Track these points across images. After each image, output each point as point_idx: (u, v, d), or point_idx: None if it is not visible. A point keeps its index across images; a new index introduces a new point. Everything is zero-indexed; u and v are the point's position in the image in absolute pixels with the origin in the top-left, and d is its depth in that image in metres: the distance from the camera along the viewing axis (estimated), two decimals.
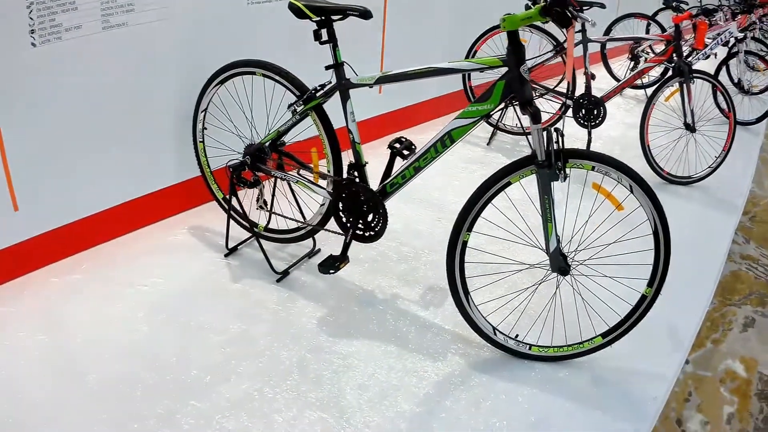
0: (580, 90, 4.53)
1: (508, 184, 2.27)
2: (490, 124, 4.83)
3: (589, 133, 4.53)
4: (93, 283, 2.65)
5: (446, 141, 2.36)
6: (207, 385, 2.17)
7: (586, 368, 2.51)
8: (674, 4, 4.50)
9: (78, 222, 2.87)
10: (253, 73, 2.81)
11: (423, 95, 4.91)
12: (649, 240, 2.29)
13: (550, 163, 2.15)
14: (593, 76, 4.45)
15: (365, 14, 2.37)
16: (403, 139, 2.52)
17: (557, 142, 2.15)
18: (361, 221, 2.61)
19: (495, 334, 2.43)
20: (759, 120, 6.01)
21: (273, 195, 2.98)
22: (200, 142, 3.06)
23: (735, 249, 4.06)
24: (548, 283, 2.47)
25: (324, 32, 2.50)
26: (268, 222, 3.07)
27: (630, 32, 6.08)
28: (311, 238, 3.04)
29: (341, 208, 2.68)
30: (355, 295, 2.75)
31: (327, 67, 2.52)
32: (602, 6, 4.43)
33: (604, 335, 2.44)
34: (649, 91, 4.28)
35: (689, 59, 5.53)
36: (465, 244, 2.29)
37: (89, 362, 2.23)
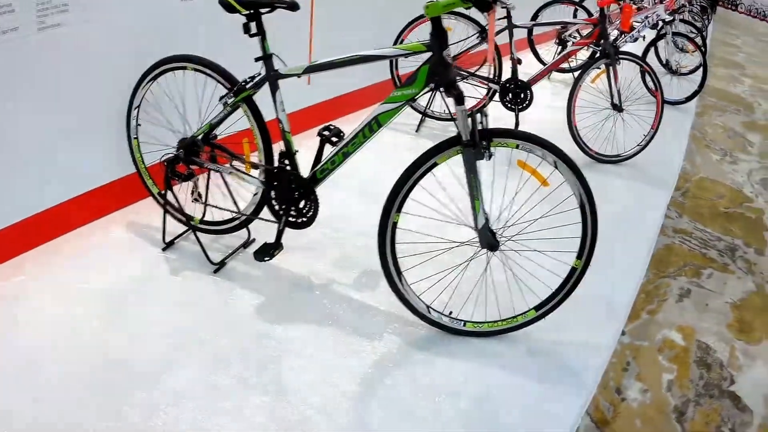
0: (507, 75, 4.70)
1: (435, 165, 2.35)
2: (417, 111, 4.88)
3: (517, 117, 4.66)
4: (36, 283, 2.64)
5: (374, 126, 2.43)
6: (151, 377, 2.19)
7: (522, 341, 2.60)
8: None
9: (18, 224, 2.85)
10: (185, 68, 2.83)
11: (352, 86, 4.92)
12: (577, 214, 2.39)
13: (474, 143, 2.24)
14: (519, 61, 4.58)
15: (293, 6, 2.43)
16: (332, 127, 2.58)
17: (481, 122, 2.25)
18: (293, 208, 2.69)
19: (429, 312, 2.50)
20: (688, 99, 6.23)
21: (207, 187, 3.00)
22: (134, 138, 3.06)
23: (668, 223, 4.23)
24: (480, 260, 2.56)
25: (253, 25, 2.55)
26: (204, 215, 3.08)
27: (557, 18, 6.23)
28: (246, 229, 3.06)
29: (273, 197, 2.73)
30: (292, 281, 2.80)
31: (257, 59, 2.59)
32: None
33: (537, 308, 2.53)
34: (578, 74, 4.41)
35: (617, 42, 5.74)
36: (395, 225, 2.36)
37: (36, 362, 2.23)
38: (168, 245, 2.95)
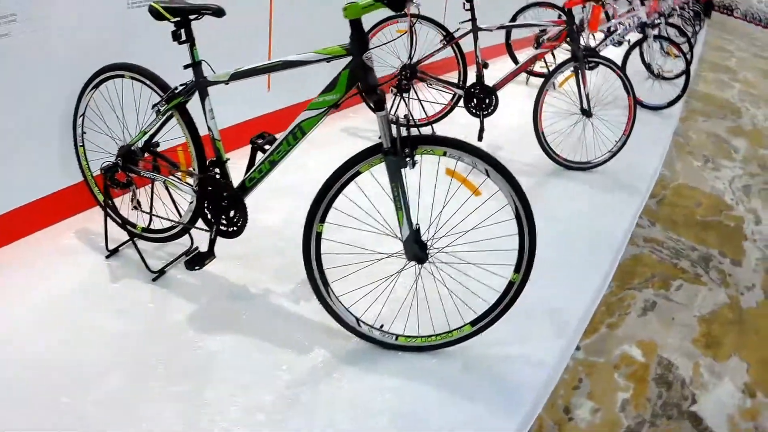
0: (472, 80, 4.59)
1: (358, 173, 2.24)
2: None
3: (482, 123, 4.52)
4: None
5: (297, 133, 2.34)
6: (80, 383, 2.16)
7: (458, 357, 2.48)
8: None
9: None
10: (122, 76, 2.81)
11: (313, 92, 4.79)
12: (514, 224, 2.26)
13: (396, 150, 2.13)
14: (486, 65, 4.45)
15: (218, 12, 2.41)
16: (266, 135, 2.51)
17: (411, 127, 2.15)
18: (223, 217, 2.64)
19: (359, 325, 2.42)
20: (670, 104, 6.11)
21: (152, 196, 2.97)
22: (80, 146, 3.04)
23: (639, 233, 4.09)
24: (413, 273, 2.45)
25: (183, 32, 2.50)
26: (150, 223, 3.04)
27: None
28: (189, 237, 3.02)
29: (205, 205, 2.68)
30: (229, 290, 2.76)
31: (185, 67, 2.55)
32: None
33: (473, 323, 2.41)
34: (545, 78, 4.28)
35: (599, 45, 5.62)
36: (319, 235, 2.29)
37: None
38: (112, 253, 2.93)
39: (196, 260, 2.61)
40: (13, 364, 2.23)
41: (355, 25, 2.12)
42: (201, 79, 2.51)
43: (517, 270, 2.30)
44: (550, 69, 5.45)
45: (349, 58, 2.19)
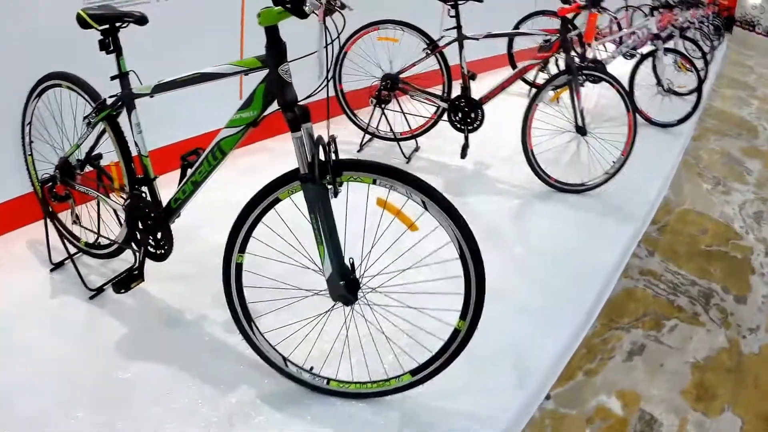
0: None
1: (278, 200, 1.98)
2: (360, 128, 4.50)
3: (466, 138, 4.19)
4: None
5: (217, 153, 2.11)
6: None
7: (397, 407, 2.19)
8: None
9: None
10: (60, 85, 2.67)
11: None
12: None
13: (314, 177, 1.83)
14: (473, 77, 4.11)
15: (141, 20, 2.33)
16: (201, 150, 2.28)
17: (335, 151, 1.87)
18: (150, 238, 2.45)
19: (287, 365, 2.18)
20: (681, 121, 5.75)
21: (98, 211, 2.82)
22: (29, 155, 2.93)
23: (635, 263, 3.73)
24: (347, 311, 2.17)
25: (109, 41, 2.36)
26: (98, 237, 2.87)
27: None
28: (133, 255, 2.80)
29: (132, 225, 2.49)
30: (164, 314, 2.59)
31: (112, 78, 2.39)
32: (479, 0, 4.10)
33: (413, 372, 2.10)
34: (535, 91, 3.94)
35: (608, 57, 5.27)
36: (240, 266, 2.08)
37: None
38: (57, 266, 2.83)
39: (123, 282, 2.44)
40: None
41: (271, 33, 1.85)
42: (127, 90, 2.36)
43: (462, 317, 1.98)
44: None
45: (266, 71, 1.92)
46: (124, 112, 2.42)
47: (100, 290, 2.67)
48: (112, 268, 2.84)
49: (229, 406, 2.12)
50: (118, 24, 2.32)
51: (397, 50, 4.28)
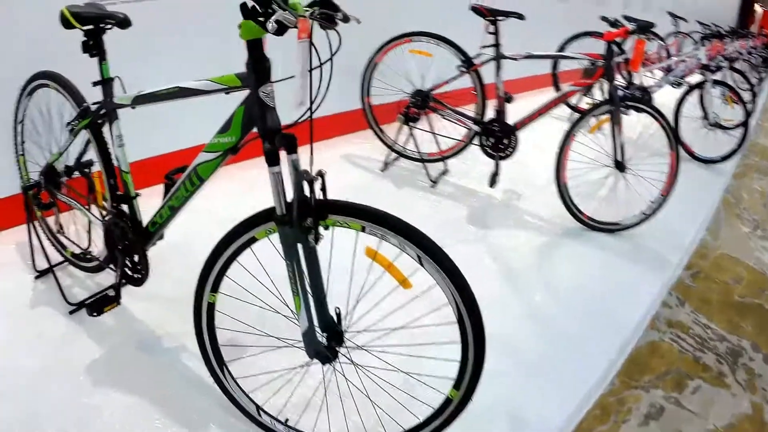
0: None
1: (254, 240, 1.72)
2: (386, 144, 4.25)
3: (496, 165, 3.89)
4: None
5: (194, 179, 1.87)
6: None
7: None
8: (614, 19, 3.87)
9: None
10: (48, 86, 2.48)
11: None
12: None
13: (291, 220, 1.56)
14: (509, 99, 3.81)
15: (123, 23, 2.13)
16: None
17: (323, 189, 1.60)
18: (128, 260, 2.24)
19: (260, 414, 1.96)
20: (725, 158, 5.37)
21: (89, 221, 2.58)
22: (20, 155, 2.77)
23: (664, 313, 3.40)
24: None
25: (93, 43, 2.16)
26: (88, 247, 2.68)
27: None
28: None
29: (110, 244, 2.28)
30: (142, 337, 2.41)
31: (94, 84, 2.18)
32: (520, 17, 3.81)
33: None
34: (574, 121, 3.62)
35: (654, 85, 4.91)
36: (212, 306, 1.86)
37: None
38: (41, 274, 2.69)
39: (97, 305, 2.23)
40: None
41: (253, 48, 1.57)
42: (108, 99, 2.14)
43: (456, 386, 1.71)
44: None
45: (247, 92, 1.64)
46: None
47: (81, 305, 2.50)
48: (98, 282, 2.67)
49: None
50: (102, 25, 2.11)
51: (429, 65, 3.99)
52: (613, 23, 3.85)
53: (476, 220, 3.67)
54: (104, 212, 2.32)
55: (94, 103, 2.23)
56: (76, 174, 2.47)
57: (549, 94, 5.23)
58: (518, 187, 4.20)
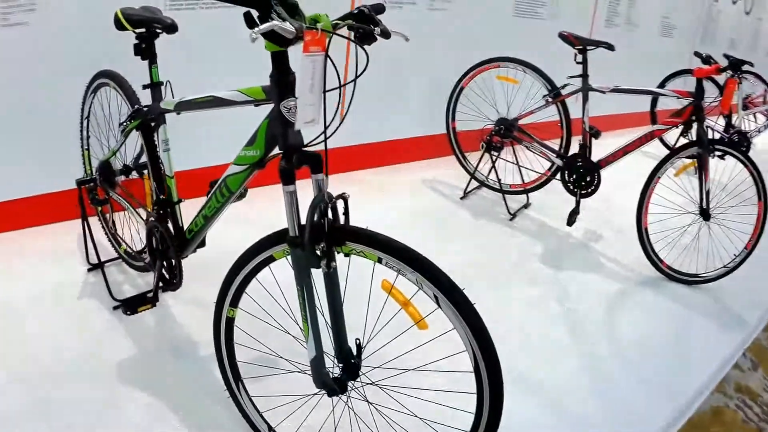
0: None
1: (272, 259, 1.66)
2: (467, 171, 4.12)
3: (577, 203, 3.70)
4: None
5: (224, 190, 1.84)
6: None
7: None
8: (706, 55, 3.63)
9: None
10: (108, 85, 2.53)
11: (399, 133, 4.43)
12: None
13: (302, 243, 1.49)
14: (596, 134, 3.61)
15: (170, 28, 2.12)
16: None
17: (345, 213, 1.53)
18: (165, 264, 2.24)
19: None
20: None
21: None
22: (85, 149, 2.83)
23: (733, 376, 3.12)
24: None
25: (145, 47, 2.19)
26: (143, 249, 2.68)
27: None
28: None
29: (150, 246, 2.30)
30: (178, 343, 2.40)
31: (144, 87, 2.21)
32: (610, 48, 3.62)
33: None
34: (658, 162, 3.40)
35: (753, 130, 4.59)
36: (231, 321, 1.81)
37: None
38: (94, 267, 2.74)
39: (132, 303, 2.24)
40: None
41: (278, 60, 1.51)
42: (156, 103, 2.14)
43: None
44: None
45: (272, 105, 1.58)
46: None
47: (124, 303, 2.47)
48: (148, 281, 2.70)
49: None
50: (152, 29, 2.13)
51: (515, 92, 3.88)
52: (706, 59, 3.59)
53: (549, 259, 3.50)
54: (148, 214, 2.33)
55: (145, 106, 2.24)
56: (134, 175, 2.52)
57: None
58: (599, 228, 3.99)
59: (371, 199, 3.93)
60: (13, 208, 2.98)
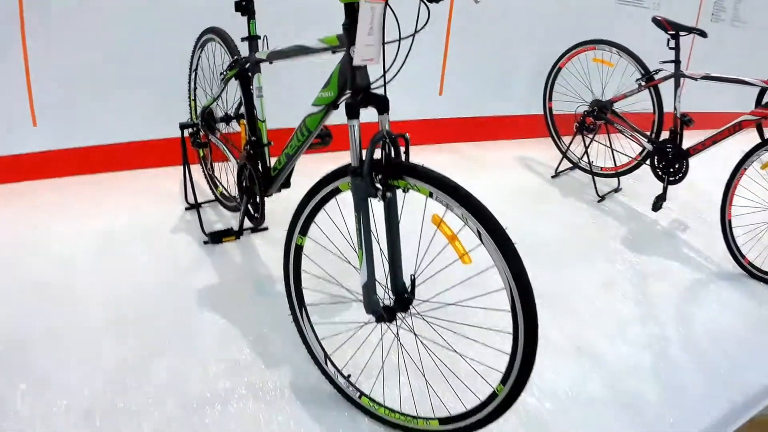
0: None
1: (338, 190, 1.78)
2: (560, 150, 4.15)
3: (664, 189, 3.63)
4: (77, 203, 3.02)
5: (303, 130, 2.00)
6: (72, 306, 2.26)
7: None
8: None
9: (87, 148, 3.31)
10: (213, 39, 2.74)
11: (491, 110, 4.50)
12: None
13: (361, 172, 1.61)
14: (688, 122, 3.52)
15: None
16: (324, 128, 2.23)
17: (406, 152, 1.64)
18: (251, 200, 2.46)
19: (326, 363, 2.00)
20: None
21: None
22: (192, 100, 3.07)
23: None
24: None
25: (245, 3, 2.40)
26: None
27: None
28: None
29: (240, 184, 2.51)
30: (258, 278, 2.58)
31: (242, 39, 2.41)
32: (703, 34, 3.55)
33: (441, 421, 1.78)
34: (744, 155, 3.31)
35: None
36: (300, 248, 1.92)
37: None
38: (191, 206, 2.96)
39: (217, 235, 2.54)
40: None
41: (349, 10, 1.66)
42: (252, 54, 2.36)
43: (503, 381, 1.60)
44: None
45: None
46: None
47: (213, 237, 2.72)
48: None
49: (264, 380, 2.04)
50: None
51: (609, 75, 3.90)
52: None
53: (631, 242, 3.45)
54: (241, 155, 2.50)
55: (242, 57, 2.43)
56: (233, 128, 2.72)
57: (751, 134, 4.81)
58: (686, 218, 3.88)
59: (466, 169, 4.08)
60: (126, 150, 3.32)
